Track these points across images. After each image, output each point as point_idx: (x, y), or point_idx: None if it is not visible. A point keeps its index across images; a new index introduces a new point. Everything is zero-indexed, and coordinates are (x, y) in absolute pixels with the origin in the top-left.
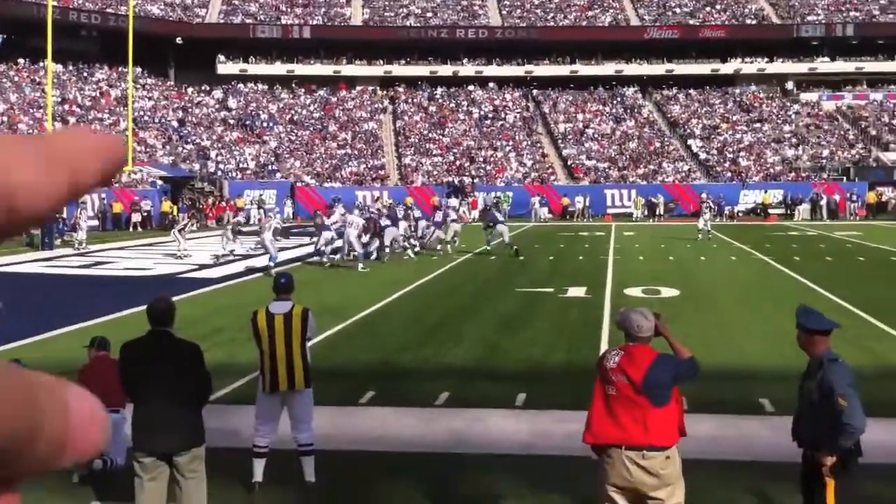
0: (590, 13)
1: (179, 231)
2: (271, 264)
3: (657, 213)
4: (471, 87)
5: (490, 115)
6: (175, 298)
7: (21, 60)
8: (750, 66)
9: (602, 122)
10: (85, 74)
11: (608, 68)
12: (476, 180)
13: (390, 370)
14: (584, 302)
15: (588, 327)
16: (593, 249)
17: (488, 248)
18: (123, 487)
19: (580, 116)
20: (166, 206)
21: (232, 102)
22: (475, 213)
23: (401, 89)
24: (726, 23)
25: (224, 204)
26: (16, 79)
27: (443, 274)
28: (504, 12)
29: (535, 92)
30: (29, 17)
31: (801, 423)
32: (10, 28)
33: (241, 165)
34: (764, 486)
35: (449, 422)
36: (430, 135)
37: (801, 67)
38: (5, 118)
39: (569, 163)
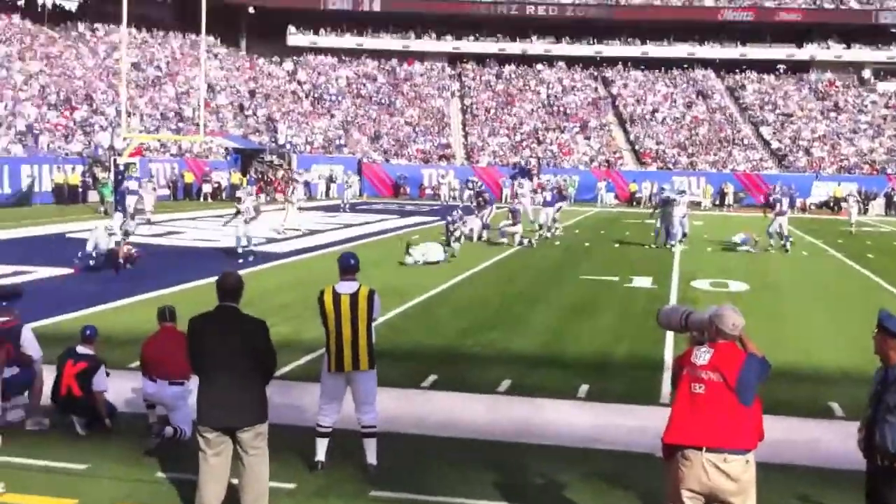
0: None
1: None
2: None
3: (726, 202)
4: (539, 66)
5: (558, 96)
6: (241, 272)
7: (97, 26)
8: (826, 53)
9: (672, 106)
10: (159, 41)
11: (680, 50)
12: (543, 162)
13: (453, 354)
14: (649, 293)
15: (653, 320)
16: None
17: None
18: (188, 462)
19: (650, 99)
20: (235, 177)
21: (302, 75)
22: (542, 197)
23: (469, 66)
24: (803, 6)
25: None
26: (92, 43)
27: (505, 259)
28: None
29: (604, 73)
30: None
31: (878, 433)
32: None
33: (309, 139)
34: (830, 494)
35: (510, 410)
36: (497, 114)
37: (880, 56)
38: (82, 82)
39: (636, 147)
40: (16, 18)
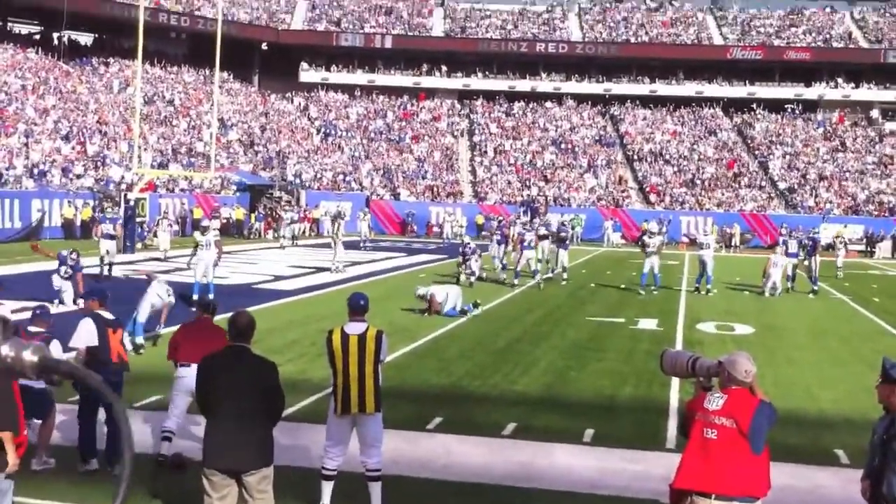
0: (672, 30)
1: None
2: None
3: (733, 243)
4: (548, 104)
5: (566, 133)
6: (250, 309)
7: (111, 60)
8: (835, 92)
9: (680, 145)
10: (172, 76)
11: (688, 88)
12: (550, 199)
13: (459, 395)
14: (654, 334)
15: (658, 362)
16: (666, 279)
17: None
18: None
19: (658, 137)
20: (239, 213)
21: (313, 111)
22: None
23: (478, 103)
24: (812, 45)
25: (303, 214)
26: (106, 78)
27: (512, 298)
28: (585, 27)
29: (612, 110)
30: (120, 18)
31: (885, 482)
32: (102, 28)
33: (318, 175)
34: None
35: (516, 453)
36: (506, 151)
37: (888, 95)
38: (95, 117)
39: (644, 186)
40: (31, 53)
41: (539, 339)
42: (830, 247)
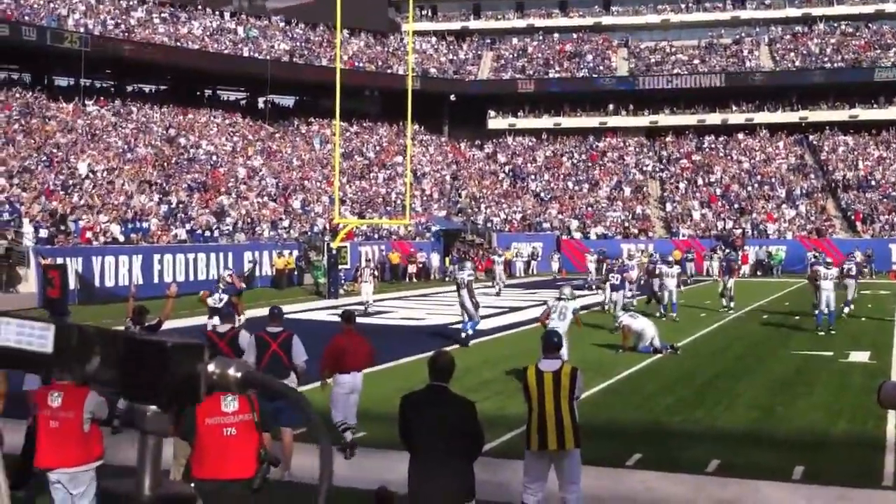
0: (869, 53)
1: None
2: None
3: None
4: (740, 136)
5: (761, 164)
6: (445, 349)
7: (312, 120)
8: None
9: (887, 171)
10: (368, 131)
11: (891, 112)
12: (747, 233)
13: (658, 432)
14: (867, 368)
15: (873, 396)
16: (877, 310)
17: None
18: None
19: (861, 164)
20: (394, 257)
21: (501, 156)
22: (746, 269)
23: (668, 139)
24: None
25: (493, 256)
26: (307, 137)
27: (711, 332)
28: (776, 56)
29: (810, 138)
30: (318, 81)
31: None
32: (302, 91)
33: (508, 218)
34: None
35: (720, 491)
36: (698, 185)
37: None
38: (299, 173)
39: (848, 214)
40: (238, 117)
41: (742, 374)
42: None
